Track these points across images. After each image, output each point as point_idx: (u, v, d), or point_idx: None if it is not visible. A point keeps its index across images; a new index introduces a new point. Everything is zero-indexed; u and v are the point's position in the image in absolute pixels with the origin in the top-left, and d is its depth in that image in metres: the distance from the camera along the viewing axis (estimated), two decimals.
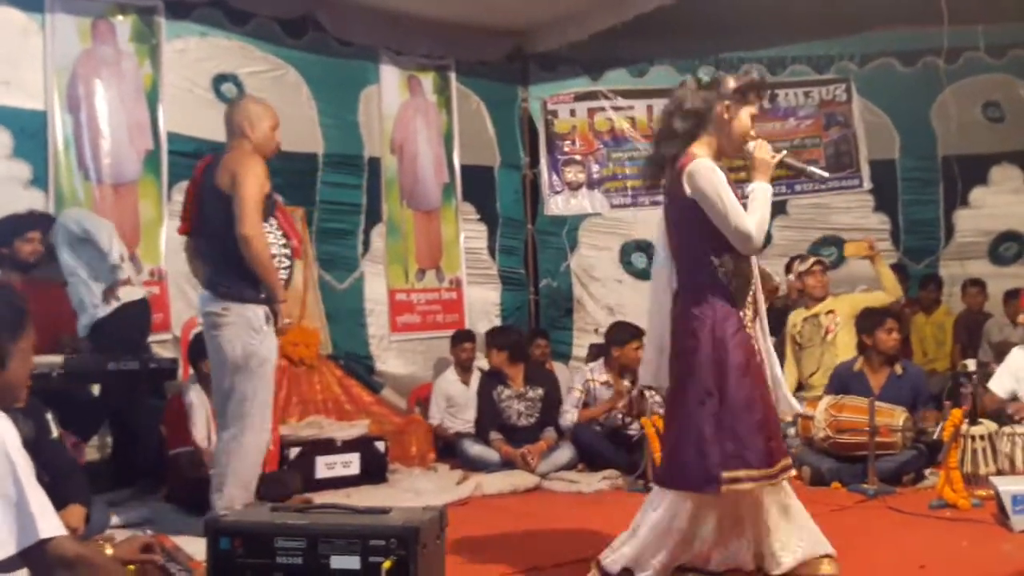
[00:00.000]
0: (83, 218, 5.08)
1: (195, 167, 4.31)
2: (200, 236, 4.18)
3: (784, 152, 3.32)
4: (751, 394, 3.13)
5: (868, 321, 5.44)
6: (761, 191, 3.20)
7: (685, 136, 3.20)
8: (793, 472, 3.35)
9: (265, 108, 4.23)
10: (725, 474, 3.06)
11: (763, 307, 3.32)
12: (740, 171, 3.38)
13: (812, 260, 6.26)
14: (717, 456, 3.07)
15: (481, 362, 6.88)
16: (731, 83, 3.20)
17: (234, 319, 3.96)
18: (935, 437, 4.75)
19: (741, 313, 3.19)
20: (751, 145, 3.25)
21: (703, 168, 3.12)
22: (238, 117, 4.16)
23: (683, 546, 3.20)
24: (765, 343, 3.29)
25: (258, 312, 3.98)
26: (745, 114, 3.22)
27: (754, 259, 3.30)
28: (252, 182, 3.92)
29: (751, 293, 3.25)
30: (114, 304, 4.93)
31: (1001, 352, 5.96)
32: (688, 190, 3.14)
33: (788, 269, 6.40)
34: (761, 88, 3.27)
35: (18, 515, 2.02)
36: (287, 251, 4.21)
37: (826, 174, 3.73)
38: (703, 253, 3.16)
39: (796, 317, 6.17)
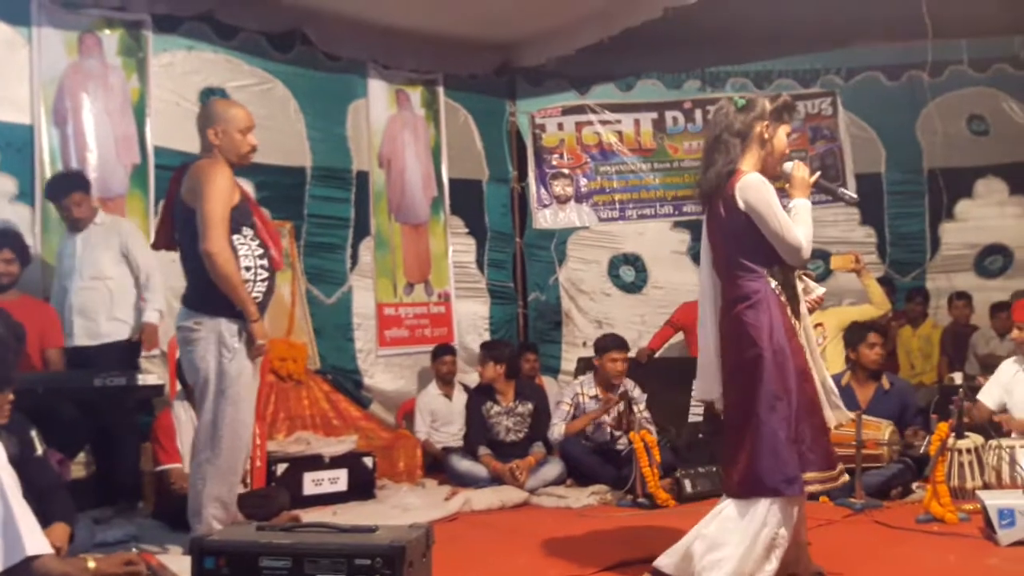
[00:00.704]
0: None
1: (171, 178, 4.15)
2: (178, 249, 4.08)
3: (819, 173, 3.47)
4: (813, 398, 3.27)
5: (853, 336, 5.48)
6: (803, 207, 3.34)
7: (734, 156, 3.32)
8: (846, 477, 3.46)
9: (233, 109, 4.02)
10: (802, 475, 3.18)
11: (807, 317, 3.40)
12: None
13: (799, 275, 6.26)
14: (794, 458, 3.17)
15: (468, 376, 6.88)
16: (768, 104, 3.35)
17: (205, 334, 3.82)
18: (922, 451, 4.76)
19: (793, 322, 3.29)
20: (788, 165, 3.40)
21: (756, 182, 3.25)
22: (203, 122, 3.98)
23: (788, 552, 3.25)
24: (811, 352, 3.37)
25: (232, 327, 3.83)
26: (782, 133, 3.38)
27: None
28: (214, 195, 3.76)
29: (797, 303, 3.36)
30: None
31: (987, 365, 6.00)
32: (742, 204, 3.24)
33: None
34: (793, 108, 3.44)
35: (4, 533, 2.02)
36: (264, 262, 3.96)
37: (856, 197, 3.84)
38: (756, 265, 3.27)
39: None
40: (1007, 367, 5.18)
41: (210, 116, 3.99)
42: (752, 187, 3.23)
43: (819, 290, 3.52)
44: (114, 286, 5.16)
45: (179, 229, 3.99)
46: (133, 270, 5.22)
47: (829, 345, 6.10)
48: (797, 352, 3.25)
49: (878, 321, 6.18)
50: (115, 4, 5.80)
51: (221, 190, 3.79)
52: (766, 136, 3.33)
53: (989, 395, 5.15)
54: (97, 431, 4.96)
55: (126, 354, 5.18)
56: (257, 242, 3.97)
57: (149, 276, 5.26)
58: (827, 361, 5.94)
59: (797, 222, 3.27)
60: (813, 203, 3.37)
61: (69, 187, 5.12)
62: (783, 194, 3.36)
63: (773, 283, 3.27)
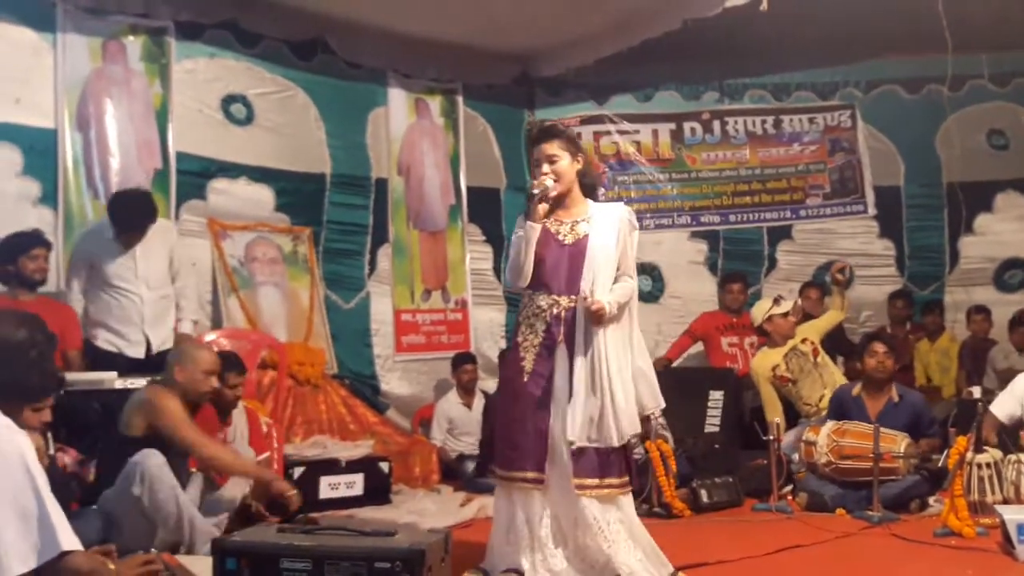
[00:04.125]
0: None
1: None
2: None
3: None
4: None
5: (858, 347, 5.51)
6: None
7: None
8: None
9: (201, 352, 4.24)
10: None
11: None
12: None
13: (792, 304, 6.29)
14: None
15: (484, 383, 6.89)
16: None
17: None
18: (940, 465, 4.73)
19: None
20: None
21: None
22: (172, 357, 4.21)
23: None
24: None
25: None
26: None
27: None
28: (174, 419, 3.92)
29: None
30: None
31: (1006, 379, 5.95)
32: None
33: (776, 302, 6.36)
34: (531, 132, 3.78)
35: (39, 528, 2.05)
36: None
37: (536, 190, 3.84)
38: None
39: (774, 357, 6.10)
40: (1023, 380, 5.15)
41: (179, 354, 4.20)
42: None
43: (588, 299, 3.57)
44: (171, 295, 5.30)
45: None
46: (173, 276, 5.33)
47: (825, 356, 6.13)
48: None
49: (881, 331, 6.37)
50: (139, 11, 5.87)
51: (175, 411, 3.95)
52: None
53: (1001, 407, 5.11)
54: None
55: None
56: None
57: (186, 284, 5.40)
58: (831, 366, 6.08)
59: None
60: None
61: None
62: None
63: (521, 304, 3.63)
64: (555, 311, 3.54)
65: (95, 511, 3.74)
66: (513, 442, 3.52)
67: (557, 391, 3.52)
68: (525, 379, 3.53)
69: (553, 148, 3.58)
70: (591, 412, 3.46)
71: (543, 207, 3.53)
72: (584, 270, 3.55)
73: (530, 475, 3.48)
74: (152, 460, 3.68)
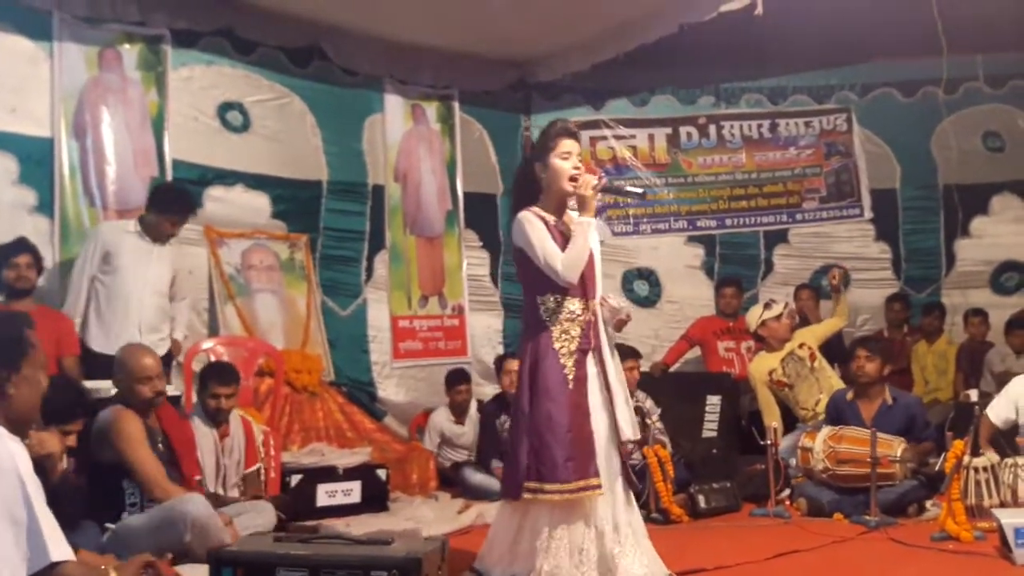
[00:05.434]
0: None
1: None
2: None
3: (603, 180, 3.60)
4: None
5: (845, 354, 5.55)
6: (578, 226, 3.51)
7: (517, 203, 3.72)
8: None
9: (133, 360, 4.02)
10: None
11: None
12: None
13: (783, 306, 6.30)
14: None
15: (481, 389, 6.88)
16: (541, 141, 3.69)
17: None
18: (937, 469, 4.73)
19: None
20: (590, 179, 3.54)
21: (517, 220, 3.57)
22: (114, 368, 4.08)
23: None
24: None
25: None
26: (555, 160, 3.55)
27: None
28: (131, 445, 3.81)
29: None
30: None
31: (1003, 382, 5.96)
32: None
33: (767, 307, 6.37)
34: (556, 127, 3.62)
35: (30, 539, 2.04)
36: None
37: (639, 190, 3.93)
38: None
39: (771, 362, 6.12)
40: (1019, 383, 5.15)
41: (117, 363, 4.07)
42: (514, 227, 3.53)
43: (623, 308, 3.62)
44: (167, 308, 5.41)
45: None
46: (172, 287, 5.43)
47: (822, 361, 6.14)
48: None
49: (873, 336, 6.50)
50: (135, 19, 5.87)
51: (130, 434, 3.85)
52: (542, 175, 3.54)
53: (996, 411, 5.11)
54: None
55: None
56: None
57: (183, 298, 5.54)
58: (828, 370, 6.10)
59: (569, 244, 3.45)
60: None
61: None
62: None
63: (542, 309, 3.51)
64: (586, 316, 3.54)
65: (94, 525, 3.72)
66: (571, 452, 3.39)
67: (599, 395, 3.51)
68: (571, 387, 3.47)
69: (577, 148, 3.61)
70: (632, 413, 3.52)
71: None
72: (597, 274, 3.60)
73: (594, 482, 3.41)
74: (199, 509, 3.58)
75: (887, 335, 7.46)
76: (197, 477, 4.73)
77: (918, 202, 7.98)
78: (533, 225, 3.49)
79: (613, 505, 3.47)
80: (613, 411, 3.49)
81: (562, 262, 3.40)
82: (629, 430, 3.49)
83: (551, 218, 3.56)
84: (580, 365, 3.50)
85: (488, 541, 3.67)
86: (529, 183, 3.64)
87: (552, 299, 3.52)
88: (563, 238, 3.51)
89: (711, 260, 8.04)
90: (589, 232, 3.47)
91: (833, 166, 8.07)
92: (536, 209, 3.56)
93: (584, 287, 3.54)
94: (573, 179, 3.51)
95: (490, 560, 3.59)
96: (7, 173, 5.38)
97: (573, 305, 3.52)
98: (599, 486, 3.41)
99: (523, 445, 3.42)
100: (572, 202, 3.62)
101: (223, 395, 4.75)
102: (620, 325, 3.65)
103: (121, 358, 4.10)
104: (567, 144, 3.55)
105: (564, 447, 3.37)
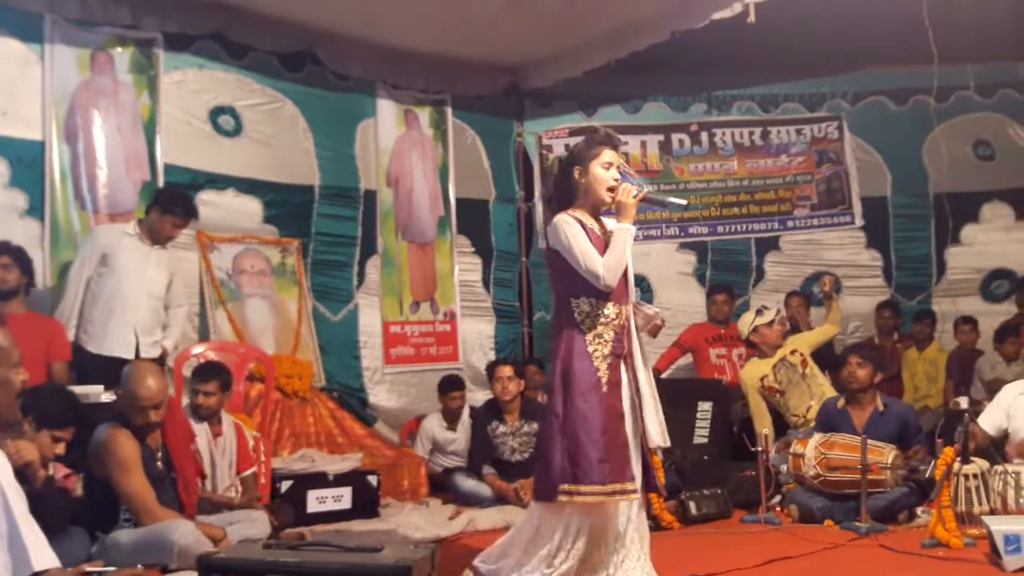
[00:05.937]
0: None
1: None
2: None
3: (644, 190, 3.62)
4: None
5: (836, 362, 5.61)
6: (619, 232, 3.51)
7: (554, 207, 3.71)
8: None
9: (141, 387, 3.91)
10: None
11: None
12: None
13: (775, 313, 6.31)
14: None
15: (473, 395, 6.86)
16: (579, 148, 3.67)
17: None
18: (927, 476, 4.74)
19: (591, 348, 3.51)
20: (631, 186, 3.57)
21: (554, 223, 3.53)
22: (122, 378, 4.02)
23: None
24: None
25: None
26: (595, 167, 3.56)
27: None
28: (122, 471, 3.79)
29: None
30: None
31: (993, 390, 5.98)
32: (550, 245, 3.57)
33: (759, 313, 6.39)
34: (600, 135, 3.68)
35: (11, 548, 2.02)
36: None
37: (683, 202, 4.01)
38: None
39: (763, 368, 6.14)
40: (1009, 391, 5.17)
41: (122, 378, 4.01)
42: (550, 229, 3.52)
43: (657, 313, 3.66)
44: (161, 314, 5.40)
45: None
46: (168, 293, 5.42)
47: (813, 368, 6.16)
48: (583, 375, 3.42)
49: (863, 343, 6.45)
50: (127, 22, 5.85)
51: (122, 458, 3.81)
52: (581, 180, 3.55)
53: (988, 419, 5.13)
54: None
55: None
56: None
57: (180, 306, 5.54)
58: (820, 377, 6.12)
59: (609, 249, 3.45)
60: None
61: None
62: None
63: (576, 312, 3.48)
64: (620, 321, 3.52)
65: (83, 531, 3.71)
66: (606, 455, 3.36)
67: (630, 400, 3.51)
68: (605, 390, 3.45)
69: (619, 160, 3.62)
70: (661, 418, 3.52)
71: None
72: (630, 280, 3.60)
73: (630, 486, 3.40)
74: (186, 539, 3.57)
75: (878, 342, 7.49)
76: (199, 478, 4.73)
77: (909, 210, 8.01)
78: (572, 228, 3.48)
79: (628, 510, 3.47)
80: (639, 417, 3.49)
81: (604, 266, 3.40)
82: (659, 437, 3.48)
83: (588, 221, 3.55)
84: (613, 369, 3.48)
85: (505, 543, 3.63)
86: (567, 186, 3.63)
87: (587, 302, 3.49)
88: (600, 242, 3.51)
89: (703, 267, 8.06)
90: (629, 239, 3.48)
91: (824, 174, 8.10)
92: (574, 212, 3.56)
93: (619, 292, 3.53)
94: (611, 189, 3.53)
95: (502, 561, 3.57)
96: None
97: (608, 309, 3.50)
98: (635, 491, 3.41)
99: (556, 447, 3.39)
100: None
101: (202, 391, 4.80)
102: (655, 331, 3.69)
103: (126, 376, 4.00)
104: (609, 155, 3.57)
105: (598, 448, 3.35)
